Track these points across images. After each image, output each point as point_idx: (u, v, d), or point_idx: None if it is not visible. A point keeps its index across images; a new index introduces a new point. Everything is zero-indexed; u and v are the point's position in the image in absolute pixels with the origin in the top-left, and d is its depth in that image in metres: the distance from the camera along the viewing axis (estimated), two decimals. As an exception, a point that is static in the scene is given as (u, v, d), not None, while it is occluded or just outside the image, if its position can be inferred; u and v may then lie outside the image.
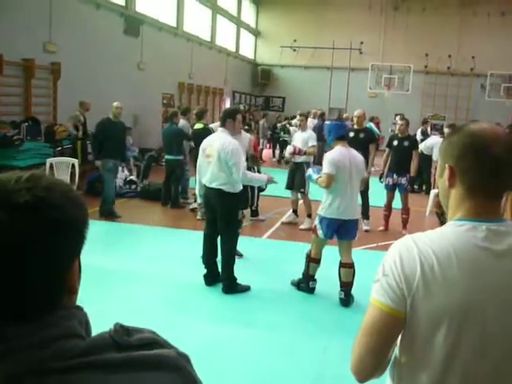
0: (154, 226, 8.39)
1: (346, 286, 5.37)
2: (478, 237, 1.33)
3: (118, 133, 8.55)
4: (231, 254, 5.66)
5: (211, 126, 9.14)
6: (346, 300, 5.36)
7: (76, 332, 0.87)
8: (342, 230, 5.36)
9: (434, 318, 1.31)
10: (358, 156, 5.47)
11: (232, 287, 5.56)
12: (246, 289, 5.63)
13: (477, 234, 1.33)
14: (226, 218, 5.54)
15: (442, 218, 7.21)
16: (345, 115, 18.73)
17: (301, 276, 5.71)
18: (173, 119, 9.88)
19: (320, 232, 5.40)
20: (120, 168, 11.02)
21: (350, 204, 5.30)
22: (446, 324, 1.30)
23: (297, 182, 8.64)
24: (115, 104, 8.73)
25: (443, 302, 1.30)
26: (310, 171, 5.78)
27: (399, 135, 8.65)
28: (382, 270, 1.37)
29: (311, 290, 5.63)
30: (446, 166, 1.41)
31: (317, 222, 5.48)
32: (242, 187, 5.60)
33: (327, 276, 5.78)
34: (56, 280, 0.87)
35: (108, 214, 8.43)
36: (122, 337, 0.87)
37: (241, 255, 6.58)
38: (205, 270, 5.75)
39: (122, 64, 14.33)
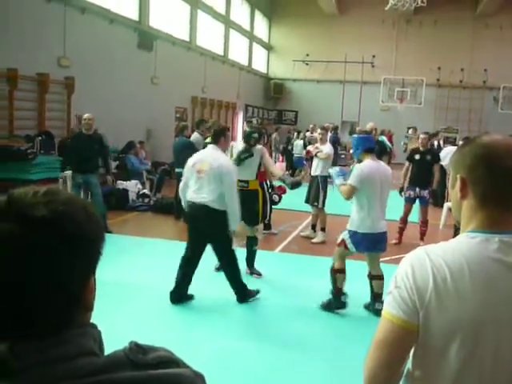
0: (165, 239, 8.39)
1: (379, 297, 5.32)
2: (491, 249, 1.31)
3: (90, 146, 8.17)
4: (235, 271, 5.61)
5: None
6: (376, 310, 5.23)
7: (91, 350, 0.85)
8: (372, 243, 5.34)
9: (446, 331, 1.28)
10: (387, 169, 5.44)
11: (245, 295, 5.61)
12: (256, 293, 5.71)
13: (489, 246, 1.31)
14: (220, 237, 5.45)
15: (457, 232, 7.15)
16: (357, 129, 18.72)
17: (330, 296, 5.48)
18: (183, 132, 9.91)
19: (351, 246, 5.29)
20: (135, 182, 11.11)
21: (380, 217, 5.29)
22: (459, 337, 1.28)
23: (312, 195, 8.61)
24: (85, 116, 8.38)
25: (456, 314, 1.27)
26: (332, 170, 5.72)
27: (421, 149, 8.63)
28: (394, 282, 1.35)
29: (343, 305, 5.43)
30: (458, 176, 1.40)
31: (346, 236, 5.34)
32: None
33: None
34: (71, 296, 0.85)
35: None
36: (138, 355, 0.85)
37: (260, 274, 6.56)
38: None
39: (135, 78, 14.46)
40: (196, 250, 5.55)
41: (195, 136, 10.00)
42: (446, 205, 10.03)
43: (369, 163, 5.26)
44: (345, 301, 5.44)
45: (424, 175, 8.46)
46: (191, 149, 9.50)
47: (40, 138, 10.05)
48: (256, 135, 6.73)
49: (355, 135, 5.98)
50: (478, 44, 24.01)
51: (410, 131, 18.04)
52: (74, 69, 11.70)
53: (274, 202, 8.76)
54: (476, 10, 23.85)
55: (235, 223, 5.39)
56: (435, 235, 9.42)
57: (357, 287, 5.97)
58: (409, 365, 1.40)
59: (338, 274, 5.42)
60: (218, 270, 6.48)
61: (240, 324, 5.16)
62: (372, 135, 6.41)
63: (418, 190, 8.45)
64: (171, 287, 6.01)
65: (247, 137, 6.66)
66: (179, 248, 7.79)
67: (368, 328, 4.79)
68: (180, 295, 5.54)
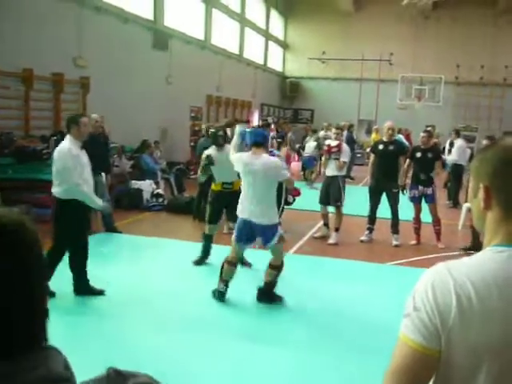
0: (180, 239, 8.31)
1: (265, 284, 5.52)
2: (520, 265, 1.18)
3: (97, 147, 8.01)
4: (76, 263, 5.51)
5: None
6: (259, 296, 5.52)
7: (64, 376, 0.78)
8: (257, 234, 5.44)
9: (472, 356, 1.15)
10: (270, 161, 5.35)
11: (81, 288, 5.51)
12: (100, 293, 5.53)
13: (519, 262, 1.18)
14: (61, 227, 5.41)
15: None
16: (374, 127, 18.58)
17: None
18: (208, 133, 9.88)
19: (234, 234, 5.53)
20: (149, 182, 11.07)
21: (254, 207, 5.30)
22: (487, 363, 1.15)
23: (333, 195, 8.51)
24: (93, 116, 8.31)
25: (483, 337, 1.14)
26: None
27: (422, 147, 8.54)
28: (413, 302, 1.21)
29: (220, 295, 5.51)
30: (481, 185, 1.27)
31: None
32: (80, 193, 5.33)
33: (352, 294, 5.62)
34: (33, 311, 0.80)
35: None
36: (116, 383, 0.79)
37: (250, 265, 6.68)
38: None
39: (150, 78, 14.42)
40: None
41: None
42: (465, 205, 9.84)
43: (246, 154, 5.50)
44: (222, 291, 5.51)
45: (426, 173, 8.36)
46: None
47: (55, 137, 10.01)
48: (221, 133, 6.90)
49: (247, 129, 6.10)
50: (499, 40, 23.61)
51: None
52: (90, 69, 11.68)
53: (287, 203, 8.73)
54: (496, 6, 23.47)
55: (93, 203, 5.41)
56: (454, 236, 9.27)
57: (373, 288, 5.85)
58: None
59: (225, 263, 5.54)
60: (195, 263, 6.89)
61: (253, 327, 5.05)
62: (263, 131, 6.42)
63: (421, 188, 8.35)
64: (184, 289, 5.96)
65: (213, 138, 6.87)
66: (194, 249, 7.75)
67: (384, 334, 4.66)
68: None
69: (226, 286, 5.53)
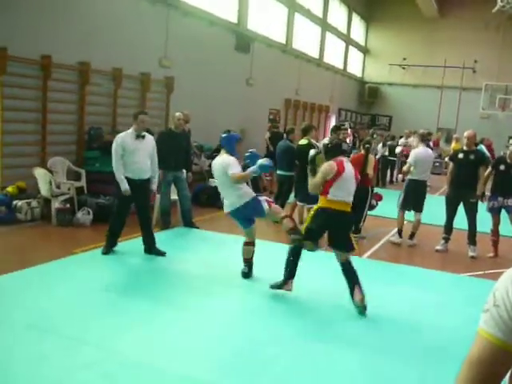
0: (258, 239, 8.48)
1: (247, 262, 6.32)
2: None
3: (179, 144, 8.38)
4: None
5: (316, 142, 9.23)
6: (248, 274, 6.28)
7: None
8: (248, 213, 6.47)
9: None
10: (219, 160, 6.48)
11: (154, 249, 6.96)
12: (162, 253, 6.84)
13: None
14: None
15: None
16: (454, 136, 18.16)
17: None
18: (289, 136, 10.02)
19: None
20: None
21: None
22: None
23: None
24: (177, 115, 8.60)
25: None
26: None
27: (508, 161, 8.26)
28: (493, 299, 1.28)
29: (244, 275, 6.25)
30: None
31: None
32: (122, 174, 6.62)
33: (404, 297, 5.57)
34: None
35: (163, 224, 8.52)
36: None
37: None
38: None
39: (231, 79, 14.77)
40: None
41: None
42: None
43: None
44: (245, 271, 6.27)
45: (508, 185, 8.12)
46: (292, 153, 9.49)
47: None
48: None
49: (224, 135, 6.69)
50: None
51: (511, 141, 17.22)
52: (174, 69, 12.14)
53: (371, 207, 8.83)
54: None
55: (119, 183, 6.62)
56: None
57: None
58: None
59: (244, 246, 6.42)
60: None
61: (325, 329, 5.14)
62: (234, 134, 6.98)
63: (501, 199, 8.15)
64: (253, 286, 6.10)
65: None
66: (269, 248, 7.89)
67: (451, 342, 4.61)
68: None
69: (248, 265, 6.30)
